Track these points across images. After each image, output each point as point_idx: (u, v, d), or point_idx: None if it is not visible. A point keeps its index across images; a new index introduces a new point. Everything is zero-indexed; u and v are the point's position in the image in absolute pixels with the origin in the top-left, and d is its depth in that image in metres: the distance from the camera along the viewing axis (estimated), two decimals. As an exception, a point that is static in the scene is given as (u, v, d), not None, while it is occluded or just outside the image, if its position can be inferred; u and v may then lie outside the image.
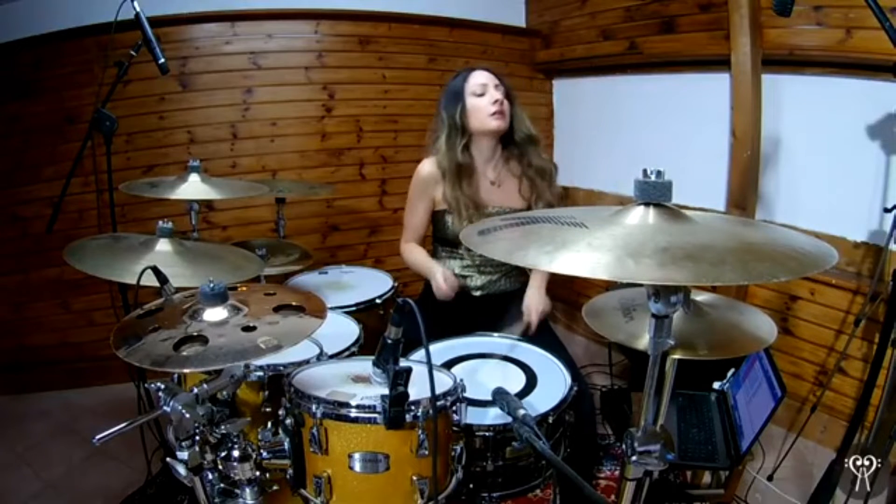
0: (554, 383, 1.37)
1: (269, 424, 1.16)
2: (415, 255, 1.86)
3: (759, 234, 0.81)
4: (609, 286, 2.09)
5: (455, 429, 1.14)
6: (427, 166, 1.80)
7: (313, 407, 1.02)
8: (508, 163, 1.83)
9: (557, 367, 1.45)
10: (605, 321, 1.05)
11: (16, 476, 2.02)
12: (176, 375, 1.25)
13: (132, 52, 1.82)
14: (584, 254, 0.71)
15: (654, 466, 0.85)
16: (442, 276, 1.70)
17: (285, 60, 2.77)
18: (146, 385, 1.65)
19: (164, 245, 1.33)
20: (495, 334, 1.62)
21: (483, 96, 1.72)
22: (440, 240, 1.89)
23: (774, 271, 0.68)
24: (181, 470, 0.95)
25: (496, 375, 1.44)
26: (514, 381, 1.40)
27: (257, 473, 1.04)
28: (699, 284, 0.65)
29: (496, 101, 1.70)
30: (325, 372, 1.21)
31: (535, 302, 1.74)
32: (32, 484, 1.98)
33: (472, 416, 1.21)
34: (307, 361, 1.29)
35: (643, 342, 0.91)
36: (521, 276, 1.89)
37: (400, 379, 0.98)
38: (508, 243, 0.82)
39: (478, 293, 1.85)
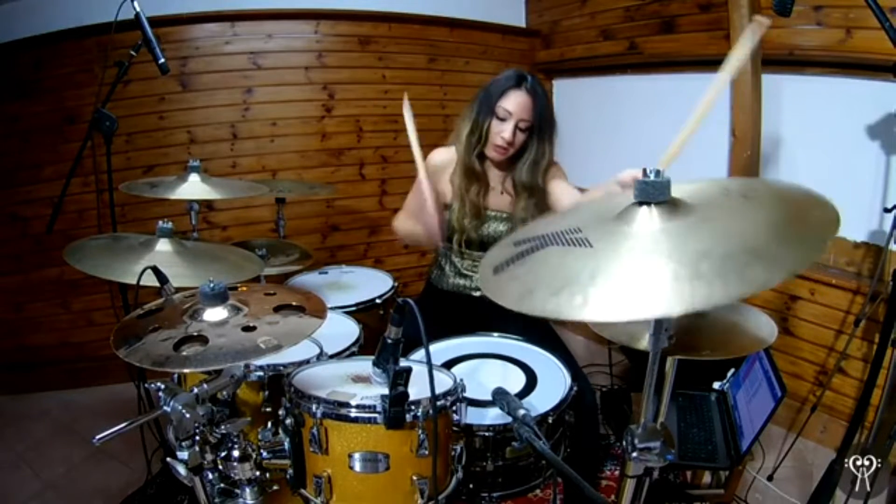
0: (554, 383, 1.37)
1: (269, 424, 1.16)
2: (404, 224, 1.77)
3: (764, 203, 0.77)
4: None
5: (455, 429, 1.14)
6: (439, 155, 1.78)
7: (313, 407, 1.02)
8: (510, 178, 1.80)
9: (557, 367, 1.45)
10: (605, 322, 1.04)
11: (16, 476, 2.02)
12: (176, 375, 1.25)
13: (132, 52, 1.82)
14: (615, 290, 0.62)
15: (655, 463, 0.85)
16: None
17: (285, 60, 2.77)
18: (146, 385, 1.66)
19: (164, 245, 1.33)
20: (495, 334, 1.62)
21: (503, 123, 1.65)
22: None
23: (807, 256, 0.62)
24: (181, 470, 0.95)
25: (496, 375, 1.44)
26: (514, 380, 1.40)
27: (257, 473, 1.04)
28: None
29: (503, 138, 1.64)
30: (325, 372, 1.21)
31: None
32: (32, 484, 1.97)
33: (472, 417, 1.21)
34: (307, 361, 1.29)
35: (644, 342, 0.91)
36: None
37: (400, 379, 0.98)
38: (519, 284, 0.74)
39: (478, 293, 1.84)
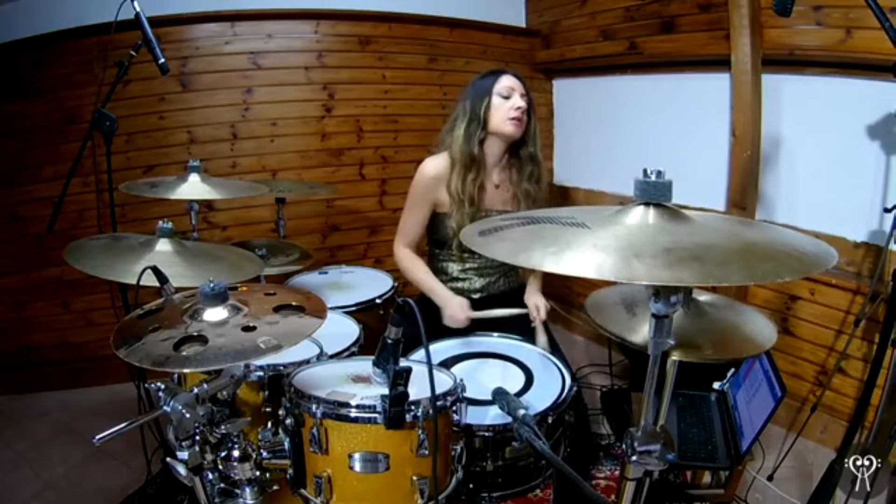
0: (551, 382, 1.38)
1: (269, 424, 1.16)
2: (417, 270, 1.81)
3: (759, 234, 0.81)
4: (608, 285, 2.09)
5: (455, 429, 1.14)
6: (432, 165, 1.77)
7: (313, 407, 1.02)
8: (510, 170, 1.83)
9: (555, 367, 1.45)
10: (607, 316, 1.04)
11: (16, 476, 2.02)
12: (176, 375, 1.25)
13: (132, 52, 1.82)
14: (589, 254, 0.71)
15: (654, 466, 0.85)
16: (459, 305, 1.67)
17: (285, 60, 2.77)
18: (146, 385, 1.65)
19: (164, 245, 1.33)
20: (495, 334, 1.62)
21: (508, 99, 1.73)
22: (437, 242, 1.87)
23: (778, 271, 0.68)
24: (181, 470, 0.95)
25: (496, 375, 1.44)
26: (513, 380, 1.40)
27: (257, 473, 1.04)
28: (706, 285, 0.65)
29: (518, 108, 1.71)
30: (325, 372, 1.21)
31: (541, 300, 1.78)
32: (32, 484, 1.97)
33: (472, 416, 1.21)
34: (307, 361, 1.29)
35: (645, 336, 0.91)
36: (518, 276, 1.89)
37: (400, 379, 0.98)
38: (512, 244, 0.82)
39: (477, 295, 1.84)
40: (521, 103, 1.72)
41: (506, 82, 1.74)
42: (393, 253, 1.87)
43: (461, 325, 1.65)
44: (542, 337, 1.67)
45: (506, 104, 1.72)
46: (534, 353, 1.53)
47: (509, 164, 1.82)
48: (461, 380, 1.15)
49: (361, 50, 2.90)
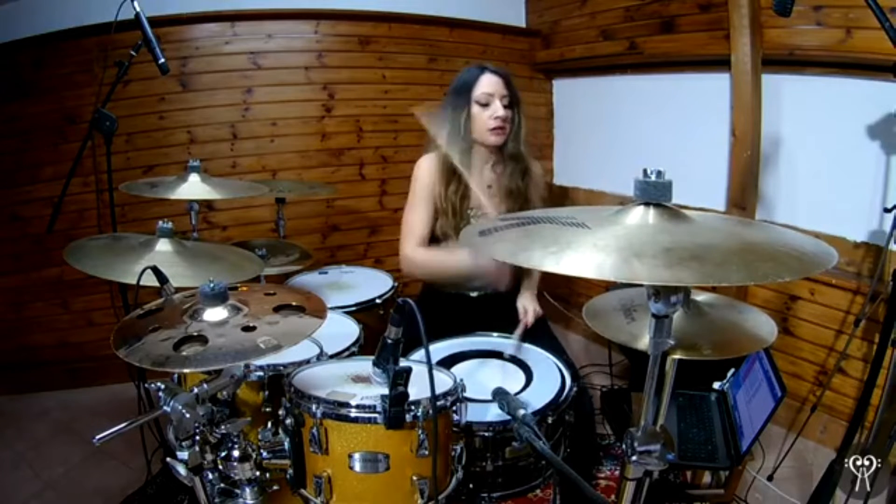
0: (550, 381, 1.38)
1: (269, 424, 1.16)
2: (435, 256, 1.75)
3: (759, 234, 0.81)
4: (609, 286, 2.09)
5: (455, 429, 1.14)
6: (428, 163, 1.77)
7: (313, 407, 1.02)
8: (501, 167, 1.82)
9: (555, 366, 1.45)
10: (606, 322, 1.04)
11: (16, 476, 2.02)
12: (176, 375, 1.25)
13: (132, 52, 1.83)
14: (589, 254, 0.70)
15: (654, 466, 0.85)
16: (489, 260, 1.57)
17: (285, 60, 2.78)
18: (146, 385, 1.66)
19: (164, 245, 1.32)
20: (494, 334, 1.62)
21: (487, 107, 1.68)
22: (434, 239, 1.87)
23: (778, 271, 0.68)
24: (181, 470, 0.95)
25: (496, 375, 1.44)
26: (513, 380, 1.40)
27: (257, 473, 1.04)
28: (706, 285, 0.65)
29: (497, 118, 1.67)
30: (325, 372, 1.21)
31: (531, 303, 1.77)
32: (32, 484, 1.97)
33: (473, 414, 1.21)
34: (307, 361, 1.29)
35: (644, 342, 0.91)
36: (517, 275, 1.89)
37: (400, 379, 0.98)
38: (511, 244, 0.82)
39: (475, 294, 1.84)
40: (501, 112, 1.67)
41: (484, 87, 1.68)
42: (400, 257, 1.79)
43: (501, 278, 1.64)
44: (517, 331, 1.62)
45: (485, 113, 1.68)
46: (534, 353, 1.53)
47: (500, 160, 1.81)
48: (461, 380, 1.15)
49: (361, 50, 2.90)
